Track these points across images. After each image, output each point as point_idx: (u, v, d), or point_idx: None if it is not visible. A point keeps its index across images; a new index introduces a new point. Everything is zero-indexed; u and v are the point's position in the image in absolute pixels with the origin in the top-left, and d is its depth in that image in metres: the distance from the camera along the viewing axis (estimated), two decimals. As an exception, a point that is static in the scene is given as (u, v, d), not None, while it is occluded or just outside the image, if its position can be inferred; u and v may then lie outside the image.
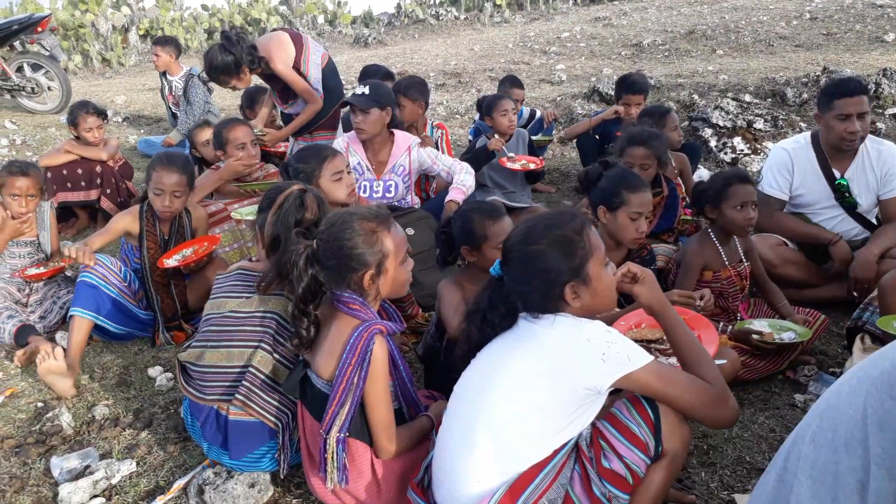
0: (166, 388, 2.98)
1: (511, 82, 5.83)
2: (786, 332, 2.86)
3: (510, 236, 1.87)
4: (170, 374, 3.05)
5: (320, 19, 15.45)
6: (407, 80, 4.63)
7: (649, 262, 3.16)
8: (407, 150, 3.93)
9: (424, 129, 4.79)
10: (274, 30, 4.95)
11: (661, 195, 3.71)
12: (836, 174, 3.53)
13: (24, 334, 3.34)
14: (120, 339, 3.35)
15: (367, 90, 3.69)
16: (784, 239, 3.61)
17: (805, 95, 6.75)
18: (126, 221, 3.36)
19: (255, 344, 2.15)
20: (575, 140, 5.56)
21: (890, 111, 6.48)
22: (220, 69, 3.99)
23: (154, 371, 3.11)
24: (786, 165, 3.62)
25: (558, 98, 7.63)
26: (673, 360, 2.02)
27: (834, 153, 3.52)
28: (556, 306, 1.77)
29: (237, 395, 2.12)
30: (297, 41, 4.41)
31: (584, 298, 1.77)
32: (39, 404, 2.89)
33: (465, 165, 3.93)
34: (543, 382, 1.69)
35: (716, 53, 9.07)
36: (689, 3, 12.06)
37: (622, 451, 1.69)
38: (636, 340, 2.04)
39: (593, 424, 1.77)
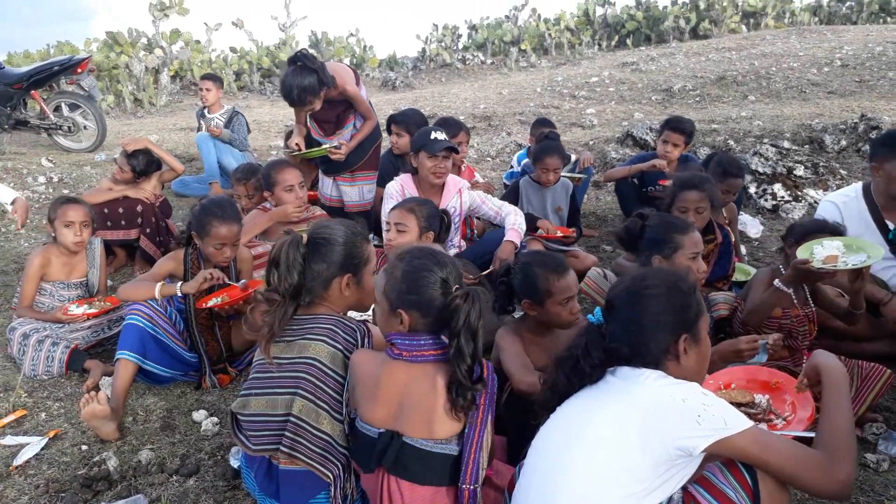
0: (212, 434, 2.90)
1: (542, 124, 5.80)
2: (856, 254, 2.73)
3: (616, 284, 1.81)
4: (215, 419, 2.97)
5: (346, 62, 15.70)
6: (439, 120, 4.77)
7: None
8: (458, 193, 3.90)
9: (462, 171, 4.78)
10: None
11: (715, 242, 3.63)
12: (890, 225, 3.44)
13: (76, 361, 3.36)
14: (163, 383, 3.28)
15: (446, 136, 3.75)
16: (840, 290, 3.50)
17: (844, 142, 6.68)
18: (170, 266, 3.31)
19: (293, 391, 2.05)
20: (614, 185, 5.51)
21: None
22: (307, 89, 3.92)
23: (198, 415, 3.03)
24: (835, 219, 3.55)
25: (590, 142, 7.61)
26: (763, 425, 1.93)
27: (890, 203, 3.44)
28: (662, 360, 1.69)
29: (283, 447, 2.03)
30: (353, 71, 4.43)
31: (691, 357, 1.71)
32: (83, 447, 2.82)
33: (515, 208, 3.91)
34: (634, 442, 1.60)
35: (747, 99, 9.05)
36: (717, 49, 12.11)
37: (717, 518, 1.59)
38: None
39: (685, 488, 1.67)
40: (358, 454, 2.02)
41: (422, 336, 1.91)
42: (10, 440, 2.86)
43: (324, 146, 4.15)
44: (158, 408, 3.12)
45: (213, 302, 3.19)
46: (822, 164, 6.13)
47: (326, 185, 4.49)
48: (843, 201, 3.57)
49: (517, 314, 2.72)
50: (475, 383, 1.83)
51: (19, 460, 2.71)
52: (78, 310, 3.57)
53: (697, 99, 9.29)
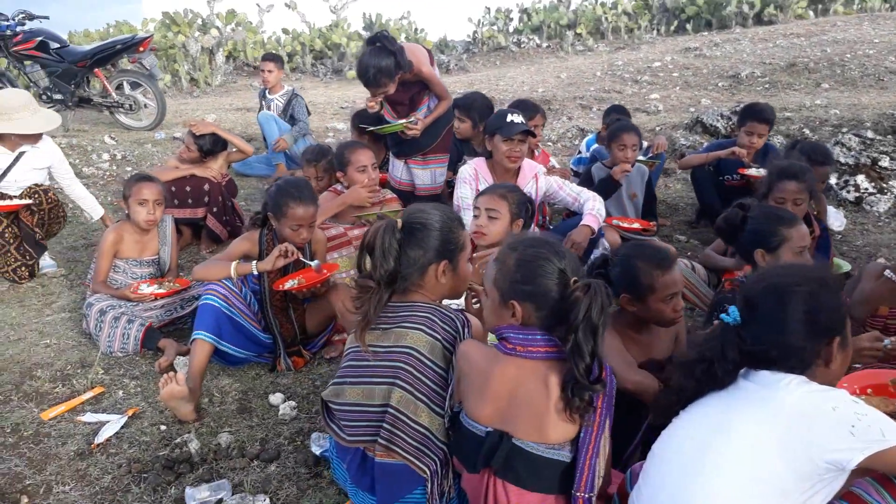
0: (289, 418, 2.83)
1: (618, 111, 5.60)
2: None
3: (756, 281, 1.65)
4: (293, 403, 2.90)
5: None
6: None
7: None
8: (534, 178, 3.77)
9: (537, 155, 4.63)
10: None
11: (813, 234, 3.43)
12: None
13: (151, 339, 3.34)
14: (236, 364, 3.23)
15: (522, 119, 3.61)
16: None
17: (931, 132, 6.32)
18: (245, 247, 3.24)
19: (391, 380, 1.95)
20: (689, 173, 5.29)
21: None
22: (384, 72, 3.80)
23: (275, 398, 2.96)
24: None
25: (657, 128, 7.36)
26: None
27: None
28: (808, 365, 1.54)
29: (380, 440, 1.94)
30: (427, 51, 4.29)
31: (837, 361, 1.55)
32: (162, 427, 2.78)
33: (595, 194, 3.74)
34: (777, 453, 1.46)
35: (820, 87, 8.67)
36: (785, 35, 11.64)
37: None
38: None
39: None
40: (461, 452, 1.91)
41: (536, 331, 1.79)
42: (90, 417, 2.84)
43: (400, 122, 4.03)
44: (234, 389, 3.07)
45: (289, 284, 3.12)
46: (909, 155, 5.80)
47: (397, 168, 4.38)
48: None
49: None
50: (594, 383, 1.70)
51: (100, 438, 2.68)
52: (147, 289, 3.54)
53: (767, 86, 8.93)
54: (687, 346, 1.95)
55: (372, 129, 4.15)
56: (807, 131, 6.75)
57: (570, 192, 3.77)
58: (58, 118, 4.34)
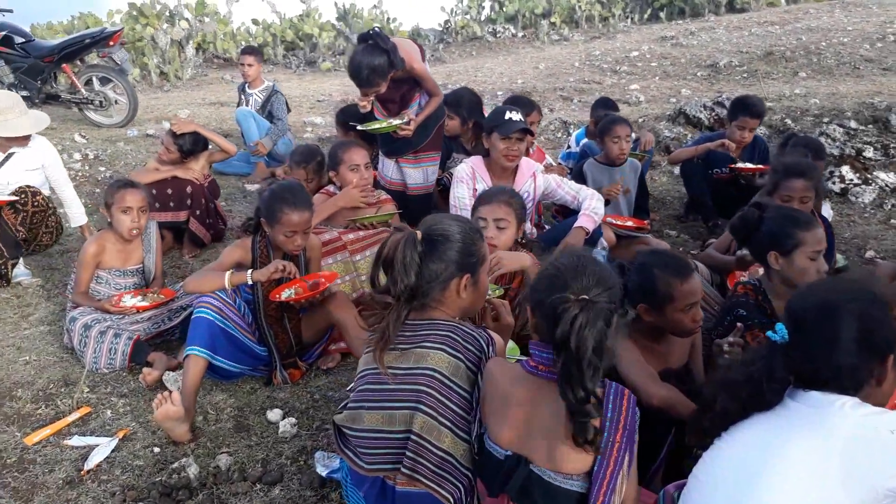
0: (290, 436, 2.72)
1: (605, 105, 5.54)
2: None
3: (804, 297, 1.57)
4: (293, 420, 2.79)
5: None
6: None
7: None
8: (532, 176, 3.68)
9: (531, 152, 4.54)
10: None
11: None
12: None
13: (140, 353, 3.20)
14: (230, 378, 3.11)
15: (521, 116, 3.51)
16: None
17: (911, 121, 6.36)
18: (238, 255, 3.11)
19: (413, 405, 1.85)
20: (679, 166, 5.25)
21: None
22: (377, 71, 3.66)
23: (273, 415, 2.85)
24: None
25: (640, 119, 7.32)
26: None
27: None
28: (861, 385, 1.47)
29: (403, 468, 1.84)
30: (419, 46, 4.17)
31: (890, 380, 1.48)
32: (156, 449, 2.65)
33: (594, 192, 3.66)
34: (835, 480, 1.39)
35: (798, 76, 8.71)
36: (759, 23, 11.69)
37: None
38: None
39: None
40: (484, 475, 1.83)
41: (548, 347, 1.69)
42: (77, 440, 2.70)
43: (392, 122, 3.90)
44: (229, 406, 2.95)
45: (285, 295, 2.99)
46: (893, 144, 5.83)
47: (388, 168, 4.25)
48: None
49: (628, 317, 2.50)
50: (587, 412, 1.57)
51: (90, 464, 2.55)
52: (130, 301, 3.38)
53: (745, 75, 8.95)
54: (729, 367, 1.87)
55: (362, 127, 4.01)
56: (789, 121, 6.76)
57: (569, 190, 3.68)
58: (46, 119, 4.26)
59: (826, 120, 6.61)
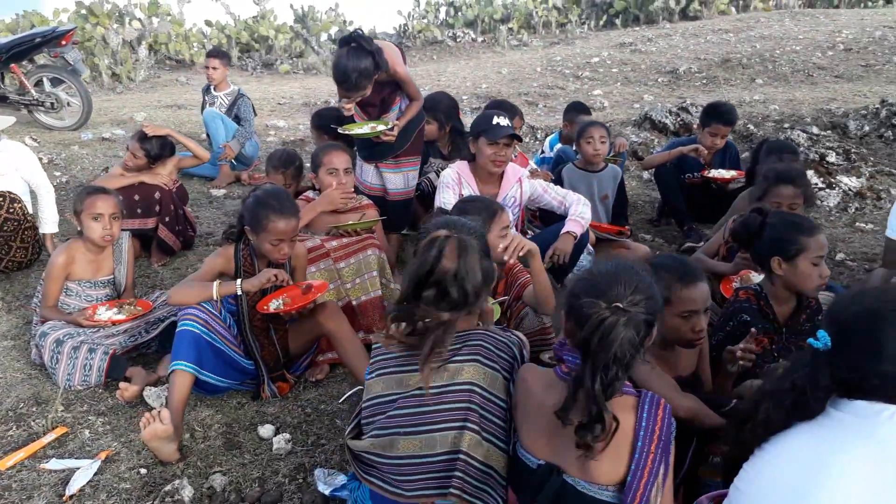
0: (285, 452, 2.61)
1: (578, 109, 5.55)
2: None
3: (848, 305, 1.55)
4: (286, 436, 2.67)
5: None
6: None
7: (818, 312, 2.89)
8: (518, 181, 3.64)
9: (514, 157, 4.50)
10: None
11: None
12: None
13: (117, 368, 3.04)
14: (214, 393, 2.97)
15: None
16: None
17: (867, 128, 6.58)
18: (220, 264, 2.97)
19: (461, 424, 1.77)
20: (654, 171, 5.30)
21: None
22: (364, 74, 3.56)
23: (265, 430, 2.73)
24: None
25: (608, 125, 7.36)
26: None
27: None
28: None
29: (452, 490, 1.75)
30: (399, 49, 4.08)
31: None
32: (142, 471, 2.50)
33: (580, 197, 3.65)
34: (891, 491, 1.37)
35: (755, 82, 8.93)
36: (714, 31, 11.97)
37: None
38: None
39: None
40: (516, 484, 1.77)
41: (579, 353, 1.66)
42: (55, 464, 2.53)
43: (377, 128, 3.81)
44: (216, 422, 2.81)
45: (274, 306, 2.88)
46: (853, 150, 6.00)
47: (367, 173, 4.15)
48: None
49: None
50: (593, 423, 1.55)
51: (72, 488, 2.39)
52: (105, 314, 3.21)
53: (705, 81, 9.14)
54: (768, 376, 1.84)
55: (346, 132, 3.89)
56: (751, 127, 6.91)
57: (556, 195, 3.66)
58: (10, 119, 4.02)
59: (787, 125, 6.78)
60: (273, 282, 2.78)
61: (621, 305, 1.58)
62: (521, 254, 2.71)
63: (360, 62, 3.53)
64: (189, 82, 11.88)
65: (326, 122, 4.47)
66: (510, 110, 4.49)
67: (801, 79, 8.91)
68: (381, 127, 3.81)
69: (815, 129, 6.29)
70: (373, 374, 1.95)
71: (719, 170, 4.93)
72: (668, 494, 1.63)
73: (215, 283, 2.80)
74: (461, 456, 1.75)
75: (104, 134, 7.50)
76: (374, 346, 2.01)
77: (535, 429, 1.70)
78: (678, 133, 7.08)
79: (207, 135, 6.36)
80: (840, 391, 1.51)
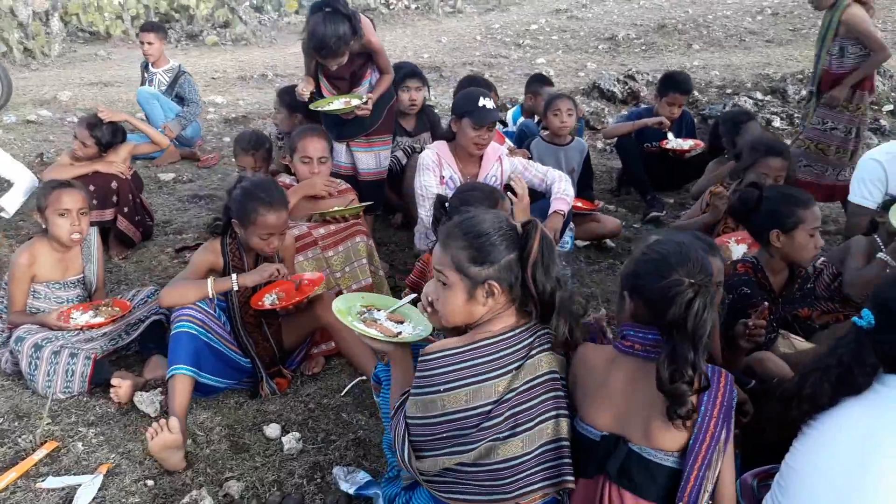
0: (297, 452, 2.54)
1: (540, 81, 5.53)
2: None
3: (891, 284, 1.60)
4: (297, 435, 2.60)
5: (268, 6, 14.51)
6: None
7: (806, 280, 3.02)
8: (498, 160, 3.60)
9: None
10: None
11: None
12: None
13: (100, 373, 2.88)
14: (209, 394, 2.86)
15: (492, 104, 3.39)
16: None
17: (804, 92, 6.82)
18: (209, 259, 2.85)
19: (555, 413, 1.78)
20: (615, 141, 5.37)
21: (887, 108, 6.65)
22: (343, 38, 3.42)
23: (271, 430, 2.65)
24: (879, 176, 3.55)
25: (573, 97, 7.41)
26: None
27: None
28: None
29: (566, 478, 1.76)
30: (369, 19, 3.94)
31: None
32: (149, 482, 2.39)
33: (561, 173, 3.66)
34: None
35: (692, 48, 9.13)
36: (646, -5, 12.14)
37: None
38: None
39: None
40: (578, 457, 1.79)
41: (652, 329, 1.71)
42: (53, 482, 2.39)
43: (351, 102, 3.68)
44: (218, 425, 2.71)
45: (269, 301, 2.78)
46: (795, 115, 6.23)
47: (339, 153, 4.01)
48: (887, 158, 3.55)
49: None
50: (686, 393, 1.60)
51: (79, 507, 2.27)
52: (81, 318, 3.02)
53: (644, 48, 9.28)
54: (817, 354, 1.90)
55: (318, 108, 3.73)
56: (696, 94, 7.06)
57: (537, 172, 3.65)
58: None
59: (730, 91, 6.97)
60: (275, 276, 2.69)
61: (697, 281, 1.64)
62: None
63: (338, 27, 3.40)
64: (110, 57, 11.25)
65: (295, 99, 4.24)
66: (485, 86, 4.42)
67: (735, 43, 9.17)
68: (355, 101, 3.68)
69: (758, 95, 6.50)
70: (449, 386, 1.74)
71: (678, 139, 5.03)
72: (730, 459, 1.69)
73: (209, 280, 2.68)
74: (563, 443, 1.77)
75: (29, 116, 7.03)
76: (430, 356, 1.78)
77: (600, 403, 1.75)
78: (626, 101, 7.19)
79: (145, 115, 6.03)
80: (886, 367, 1.57)
